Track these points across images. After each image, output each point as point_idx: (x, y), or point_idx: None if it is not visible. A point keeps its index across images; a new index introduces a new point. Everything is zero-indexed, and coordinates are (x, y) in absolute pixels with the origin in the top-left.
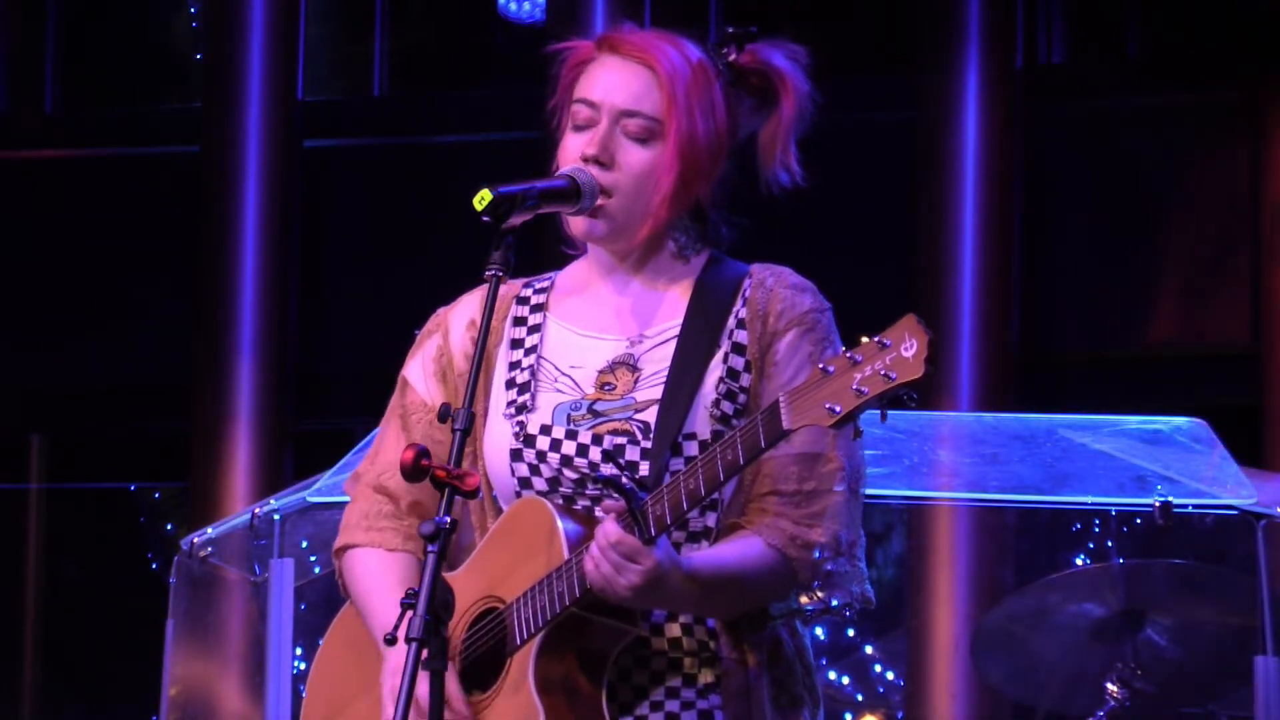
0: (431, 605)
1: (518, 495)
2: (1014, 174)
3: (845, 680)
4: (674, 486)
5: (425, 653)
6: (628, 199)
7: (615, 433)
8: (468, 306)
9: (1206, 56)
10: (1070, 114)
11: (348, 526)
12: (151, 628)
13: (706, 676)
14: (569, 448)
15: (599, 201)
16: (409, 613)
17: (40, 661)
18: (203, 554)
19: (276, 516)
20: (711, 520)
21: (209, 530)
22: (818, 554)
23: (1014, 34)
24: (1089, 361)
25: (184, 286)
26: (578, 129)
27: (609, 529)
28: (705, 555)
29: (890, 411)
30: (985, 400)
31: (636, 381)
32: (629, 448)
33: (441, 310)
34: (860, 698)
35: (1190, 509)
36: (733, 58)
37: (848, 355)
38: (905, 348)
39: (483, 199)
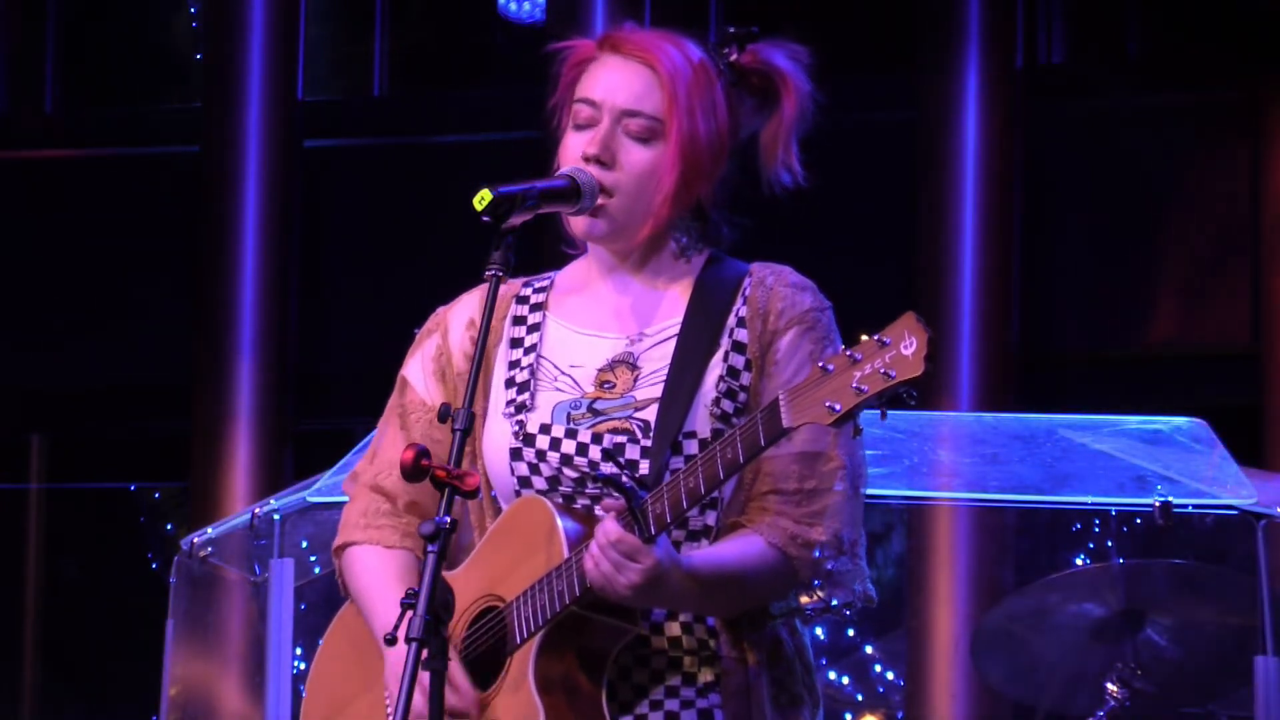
0: (431, 605)
1: (517, 494)
2: (1014, 174)
3: (845, 680)
4: (674, 485)
5: (425, 653)
6: (629, 198)
7: (615, 431)
8: (467, 306)
9: (1206, 56)
10: (1070, 114)
11: (346, 525)
12: (151, 628)
13: (706, 675)
14: (569, 446)
15: (600, 201)
16: (409, 613)
17: (40, 661)
18: (203, 554)
19: (276, 516)
20: (711, 519)
21: (209, 530)
22: (818, 553)
23: (1014, 34)
24: (1089, 361)
25: (184, 286)
26: (579, 128)
27: (609, 527)
28: (705, 554)
29: (890, 411)
30: (985, 400)
31: (636, 380)
32: (629, 446)
33: (441, 309)
34: (860, 698)
35: (1190, 509)
36: (734, 57)
37: (848, 354)
38: (905, 346)
39: (483, 199)
